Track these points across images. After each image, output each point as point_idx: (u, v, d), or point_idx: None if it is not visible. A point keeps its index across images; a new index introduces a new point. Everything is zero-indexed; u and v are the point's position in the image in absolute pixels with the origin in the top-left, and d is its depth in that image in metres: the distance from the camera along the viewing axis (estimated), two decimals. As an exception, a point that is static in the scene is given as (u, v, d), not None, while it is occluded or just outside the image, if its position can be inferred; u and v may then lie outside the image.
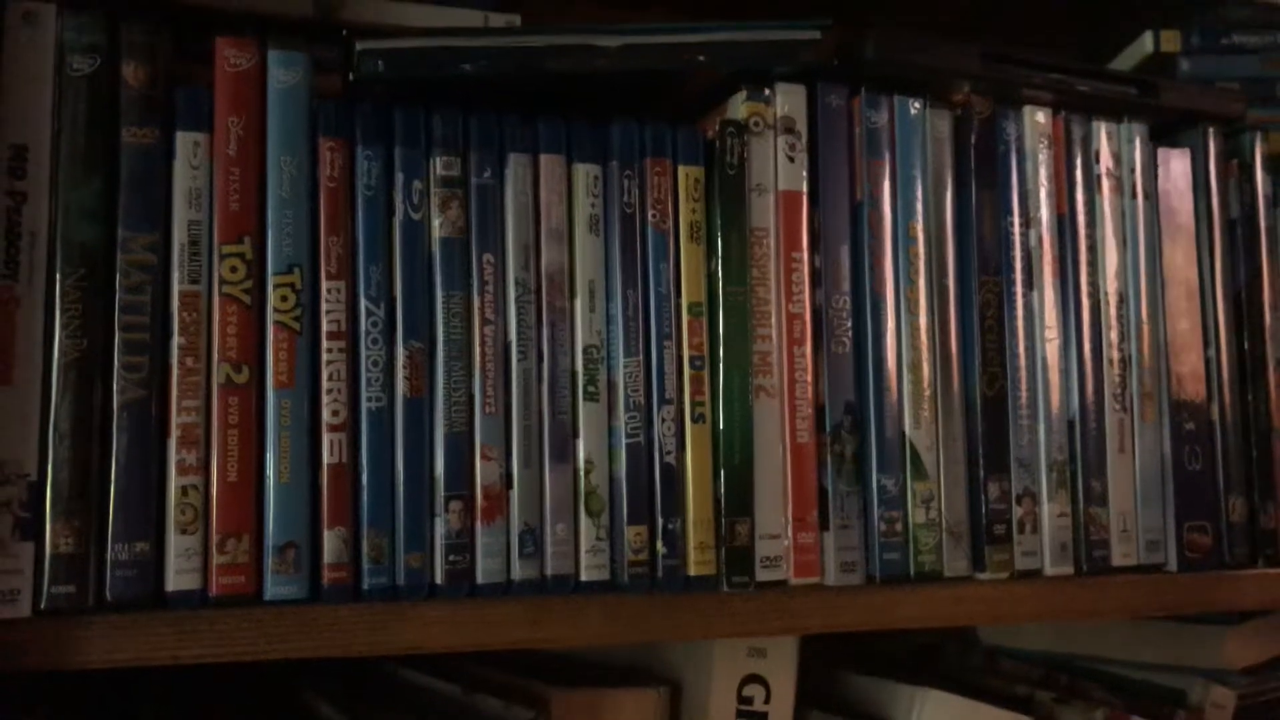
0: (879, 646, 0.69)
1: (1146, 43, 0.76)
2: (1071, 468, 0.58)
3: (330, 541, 0.47)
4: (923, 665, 0.70)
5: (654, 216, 0.53)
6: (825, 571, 0.54)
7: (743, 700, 0.59)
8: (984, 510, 0.56)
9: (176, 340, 0.46)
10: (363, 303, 0.49)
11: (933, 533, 0.55)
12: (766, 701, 0.59)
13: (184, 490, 0.46)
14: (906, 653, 0.72)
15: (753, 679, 0.59)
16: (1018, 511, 0.57)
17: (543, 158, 0.52)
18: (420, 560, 0.48)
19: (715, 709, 0.58)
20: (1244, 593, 0.60)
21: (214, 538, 0.46)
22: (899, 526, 0.55)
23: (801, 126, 0.56)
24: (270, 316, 0.48)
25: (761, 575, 0.53)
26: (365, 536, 0.48)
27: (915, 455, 0.55)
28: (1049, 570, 0.57)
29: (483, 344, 0.50)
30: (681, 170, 0.54)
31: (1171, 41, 0.75)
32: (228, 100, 0.48)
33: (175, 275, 0.47)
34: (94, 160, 0.46)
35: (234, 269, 0.47)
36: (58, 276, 0.45)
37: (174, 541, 0.45)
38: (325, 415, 0.48)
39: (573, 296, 0.52)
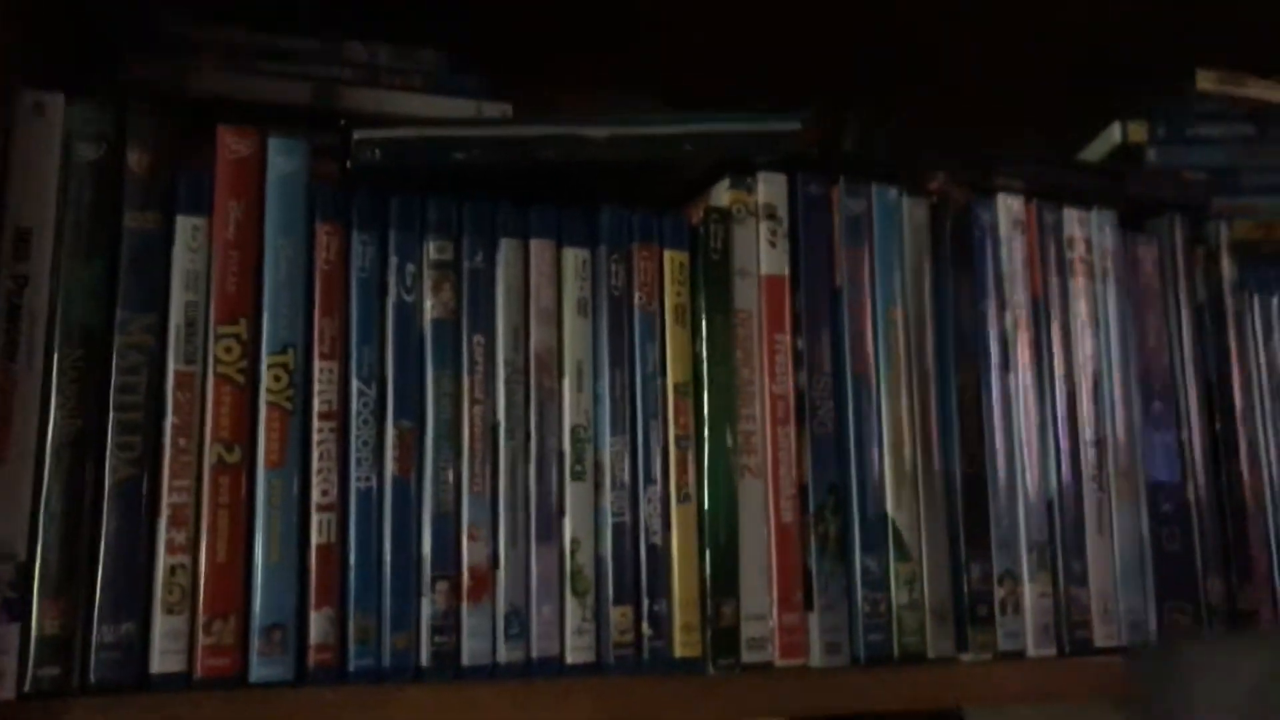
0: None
1: (1115, 133, 0.79)
2: (1051, 548, 0.59)
3: (317, 622, 0.47)
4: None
5: (641, 299, 0.55)
6: (810, 652, 0.54)
7: (728, 784, 0.58)
8: (966, 591, 0.57)
9: (170, 420, 0.47)
10: (354, 383, 0.50)
11: (916, 613, 0.56)
12: (752, 785, 0.58)
13: (172, 570, 0.46)
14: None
15: (738, 762, 0.59)
16: (1000, 592, 0.58)
17: (533, 242, 0.54)
18: (406, 641, 0.48)
19: (700, 793, 0.58)
20: (1225, 673, 0.60)
21: (201, 618, 0.46)
22: (883, 607, 0.55)
23: (783, 213, 0.58)
24: (263, 396, 0.48)
25: (747, 656, 0.53)
26: (352, 617, 0.48)
27: (898, 536, 0.56)
28: (1032, 651, 0.58)
29: (471, 424, 0.51)
30: (668, 255, 0.56)
31: (1138, 132, 0.78)
32: (228, 185, 0.49)
33: (171, 355, 0.48)
34: (96, 243, 0.47)
35: (229, 349, 0.48)
36: (55, 357, 0.46)
37: (160, 622, 0.45)
38: (315, 495, 0.48)
39: (561, 377, 0.53)
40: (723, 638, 0.52)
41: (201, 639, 0.45)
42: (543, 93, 0.77)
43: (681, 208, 0.59)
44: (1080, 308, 0.63)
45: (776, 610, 0.54)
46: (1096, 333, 0.63)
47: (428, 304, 0.52)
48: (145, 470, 0.46)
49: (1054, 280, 0.63)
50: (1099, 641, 0.59)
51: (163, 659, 0.45)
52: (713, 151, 0.57)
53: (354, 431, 0.50)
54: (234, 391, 0.48)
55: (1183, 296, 0.66)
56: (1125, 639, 0.60)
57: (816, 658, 0.54)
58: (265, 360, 0.49)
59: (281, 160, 0.50)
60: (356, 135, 0.52)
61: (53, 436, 0.45)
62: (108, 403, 0.46)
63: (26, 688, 0.43)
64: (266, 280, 0.50)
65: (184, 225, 0.49)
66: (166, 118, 0.49)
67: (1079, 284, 0.64)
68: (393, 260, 0.52)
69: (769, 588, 0.54)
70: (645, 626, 0.52)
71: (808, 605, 0.54)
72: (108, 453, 0.46)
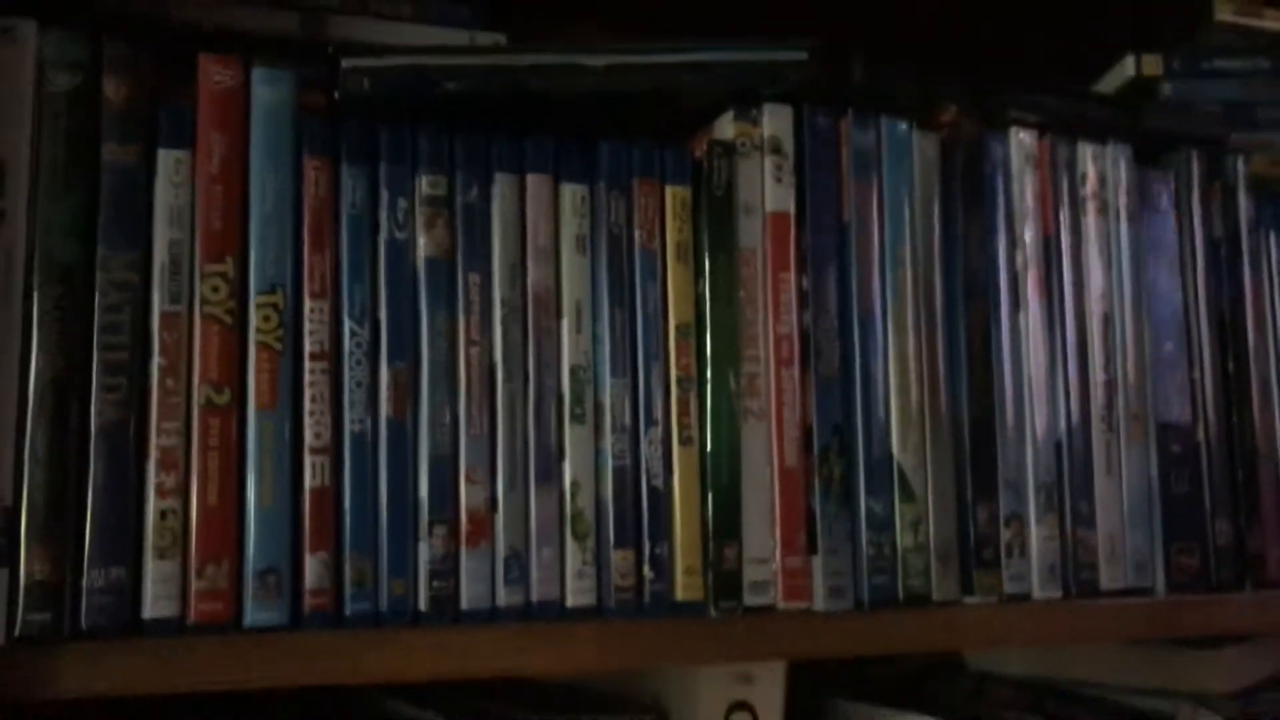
0: (867, 671, 0.69)
1: (1128, 67, 0.76)
2: (1059, 490, 0.58)
3: (312, 566, 0.46)
4: (910, 690, 0.69)
5: (642, 237, 0.53)
6: (814, 596, 0.53)
7: (730, 726, 0.58)
8: (972, 533, 0.56)
9: (156, 361, 0.46)
10: (346, 323, 0.49)
11: (921, 556, 0.55)
12: (754, 727, 0.58)
13: (163, 514, 0.45)
14: (894, 677, 0.71)
15: (740, 706, 0.59)
16: (1006, 534, 0.57)
17: (530, 177, 0.52)
18: (404, 586, 0.47)
19: (702, 735, 0.58)
20: (1231, 616, 0.60)
21: (193, 563, 0.45)
22: (887, 550, 0.54)
23: (789, 147, 0.56)
24: (252, 337, 0.47)
25: (749, 600, 0.52)
26: (347, 561, 0.47)
27: (903, 478, 0.55)
28: (1037, 594, 0.57)
29: (468, 365, 0.50)
30: (669, 190, 0.54)
31: (1153, 66, 0.76)
32: (211, 118, 0.47)
33: (156, 295, 0.46)
34: (74, 177, 0.45)
35: (215, 289, 0.47)
36: (35, 295, 0.44)
37: (151, 567, 0.44)
38: (307, 437, 0.47)
39: (559, 317, 0.52)
40: (725, 581, 0.52)
41: (194, 583, 0.45)
42: (535, 31, 0.75)
43: (684, 141, 0.57)
44: (1092, 245, 0.62)
45: (779, 553, 0.53)
46: (1108, 270, 0.62)
47: (421, 241, 0.50)
48: (133, 412, 0.45)
49: (1066, 216, 0.61)
50: (1105, 584, 0.58)
51: (155, 604, 0.44)
52: (715, 82, 0.55)
53: (347, 372, 0.48)
54: (222, 332, 0.47)
55: (1198, 233, 0.64)
56: (1131, 581, 0.59)
57: (820, 601, 0.53)
58: (253, 299, 0.47)
59: (266, 91, 0.48)
60: (345, 64, 0.50)
61: (35, 377, 0.43)
62: (91, 342, 0.45)
63: (17, 633, 0.42)
64: (253, 217, 0.48)
65: (166, 159, 0.47)
66: (144, 46, 0.47)
67: (1091, 220, 0.62)
68: (384, 195, 0.50)
69: (772, 531, 0.53)
70: (647, 569, 0.51)
71: (811, 548, 0.53)
72: (93, 394, 0.44)
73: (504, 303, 0.51)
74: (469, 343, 0.50)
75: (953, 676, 0.74)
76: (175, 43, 0.50)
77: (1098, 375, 0.60)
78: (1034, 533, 0.57)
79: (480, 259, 0.51)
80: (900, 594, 0.54)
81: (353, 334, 0.49)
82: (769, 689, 0.59)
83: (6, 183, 0.44)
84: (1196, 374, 0.63)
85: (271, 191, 0.48)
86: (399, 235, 0.50)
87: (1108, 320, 0.61)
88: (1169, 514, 0.60)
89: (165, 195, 0.47)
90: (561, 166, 0.53)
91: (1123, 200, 0.63)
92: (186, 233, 0.47)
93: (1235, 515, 0.62)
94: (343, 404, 0.48)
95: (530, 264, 0.52)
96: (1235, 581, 0.61)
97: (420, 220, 0.50)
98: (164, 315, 0.46)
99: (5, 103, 0.45)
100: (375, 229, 0.50)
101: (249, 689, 0.44)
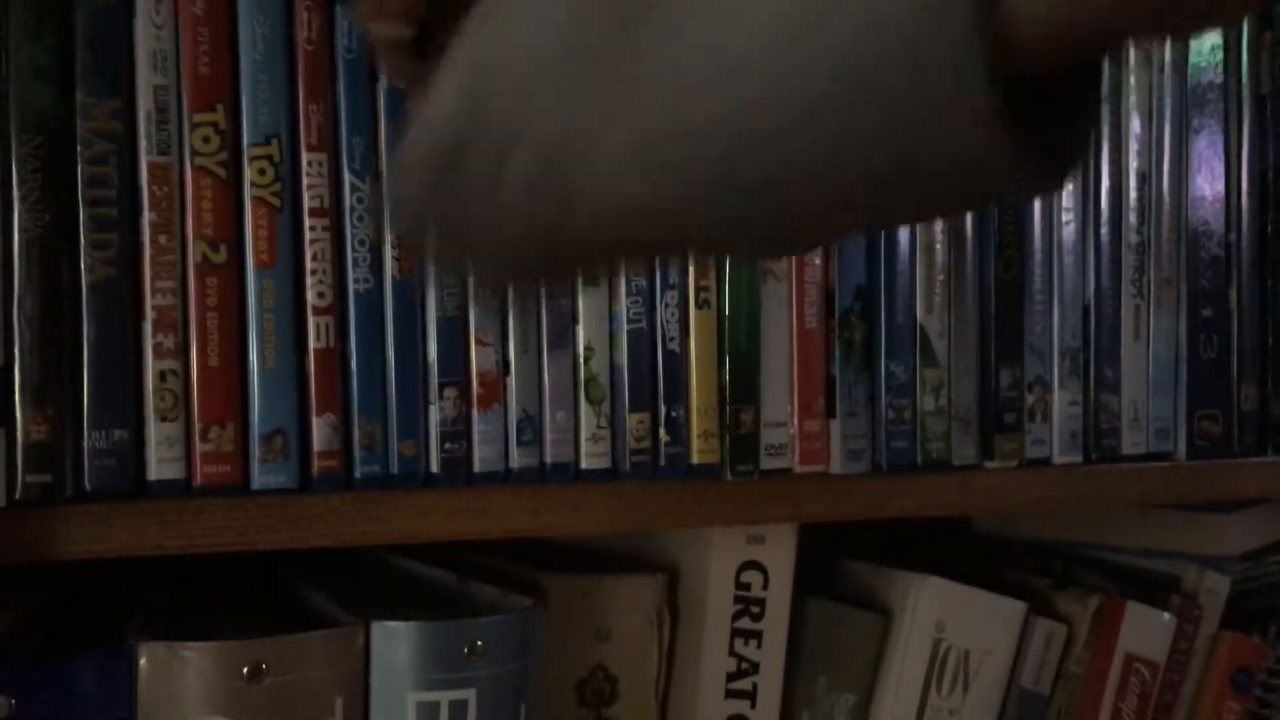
0: (878, 533, 0.69)
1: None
2: (1085, 355, 0.57)
3: (320, 429, 0.45)
4: (920, 552, 0.69)
5: (657, 86, 0.50)
6: (831, 459, 0.52)
7: (740, 586, 0.58)
8: (995, 398, 0.55)
9: (147, 216, 0.43)
10: (347, 177, 0.46)
11: (941, 421, 0.54)
12: (764, 588, 0.58)
13: (162, 375, 0.43)
14: (902, 540, 0.72)
15: (751, 565, 0.58)
16: (1029, 399, 0.56)
17: (538, 19, 0.48)
18: (414, 448, 0.46)
19: (713, 595, 0.58)
20: (1251, 481, 0.59)
21: (196, 425, 0.44)
22: (907, 414, 0.53)
23: None
24: (248, 191, 0.44)
25: (766, 463, 0.51)
26: (356, 424, 0.46)
27: (926, 342, 0.53)
28: (1058, 459, 0.56)
29: (475, 222, 0.47)
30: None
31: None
32: (191, -50, 0.44)
33: (143, 145, 0.43)
34: (46, 17, 0.42)
35: (206, 139, 0.44)
36: (13, 145, 0.41)
37: (154, 429, 0.43)
38: (310, 297, 0.45)
39: (570, 172, 0.49)
40: (741, 444, 0.51)
41: (199, 446, 0.43)
42: None
43: None
44: (1132, 96, 0.58)
45: (797, 417, 0.52)
46: (1148, 125, 0.58)
47: (423, 89, 0.47)
48: (125, 270, 0.43)
49: (1105, 66, 0.58)
50: (1126, 449, 0.58)
51: (160, 466, 0.43)
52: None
53: (349, 230, 0.46)
54: (215, 185, 0.44)
55: (1245, 86, 0.61)
56: (1153, 447, 0.58)
57: (837, 464, 0.52)
58: (247, 151, 0.44)
59: (250, -80, 0.44)
60: (334, -109, 0.46)
61: (19, 233, 0.41)
62: (77, 197, 0.42)
63: (18, 495, 0.41)
64: (243, 62, 0.45)
65: (145, -4, 0.43)
66: None
67: (1132, 70, 0.58)
68: (382, 39, 0.46)
69: (790, 394, 0.52)
70: (662, 433, 0.50)
71: (830, 412, 0.52)
72: (81, 251, 0.42)
73: (512, 156, 0.48)
74: (476, 199, 0.47)
75: (961, 540, 0.74)
76: None
77: (1130, 237, 0.58)
78: (1057, 397, 0.56)
79: (486, 109, 0.48)
80: (919, 458, 0.53)
81: (354, 189, 0.46)
82: (780, 550, 0.58)
83: (-27, 21, 0.41)
84: (1233, 236, 0.60)
85: (261, 34, 0.45)
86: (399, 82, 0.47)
87: (1144, 178, 0.58)
88: (1195, 379, 0.59)
89: (147, 37, 0.43)
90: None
91: (1166, 49, 0.59)
92: (172, 79, 0.44)
93: (1262, 381, 0.61)
94: (346, 263, 0.46)
95: (539, 114, 0.48)
96: (1257, 447, 0.60)
97: (421, 66, 0.47)
98: (152, 167, 0.43)
99: (-35, -69, 0.41)
100: (374, 76, 0.46)
101: (257, 550, 0.43)
